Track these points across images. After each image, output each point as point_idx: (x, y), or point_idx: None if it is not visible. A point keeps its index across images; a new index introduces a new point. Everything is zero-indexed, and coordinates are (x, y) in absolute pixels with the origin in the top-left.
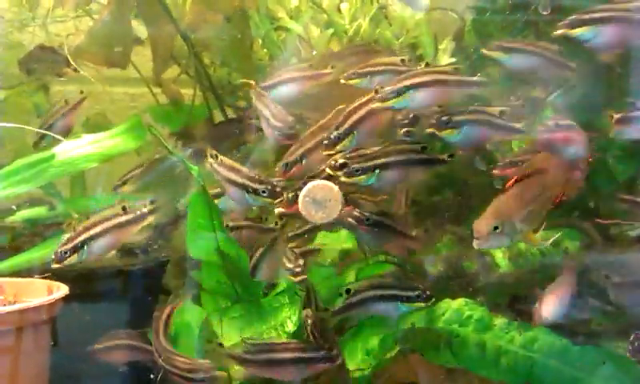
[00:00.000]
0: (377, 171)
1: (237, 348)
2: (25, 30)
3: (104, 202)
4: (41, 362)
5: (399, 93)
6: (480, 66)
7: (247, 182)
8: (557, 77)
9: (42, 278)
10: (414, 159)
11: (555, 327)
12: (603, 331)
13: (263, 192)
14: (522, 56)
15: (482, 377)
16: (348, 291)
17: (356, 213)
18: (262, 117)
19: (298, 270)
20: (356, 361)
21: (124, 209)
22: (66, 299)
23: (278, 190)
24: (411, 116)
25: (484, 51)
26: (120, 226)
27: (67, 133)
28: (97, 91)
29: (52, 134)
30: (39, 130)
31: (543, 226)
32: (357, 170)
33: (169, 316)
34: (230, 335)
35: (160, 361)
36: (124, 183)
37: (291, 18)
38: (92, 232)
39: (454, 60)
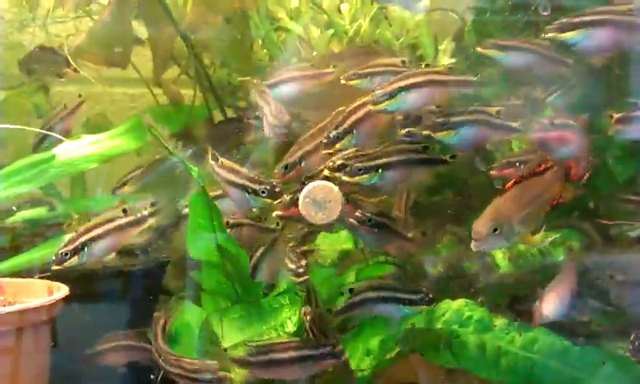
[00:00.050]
0: (379, 171)
1: (239, 351)
2: (25, 30)
3: (104, 203)
4: (41, 363)
5: (391, 95)
6: (480, 67)
7: (247, 183)
8: (553, 74)
9: (43, 278)
10: (417, 159)
11: (555, 327)
12: (603, 332)
13: (262, 192)
14: (518, 53)
15: (482, 377)
16: (351, 291)
17: (358, 213)
18: (262, 114)
19: (300, 270)
20: (356, 361)
21: (125, 211)
22: (66, 300)
23: (277, 190)
24: (412, 116)
25: (479, 49)
26: (121, 228)
27: (66, 136)
28: (97, 92)
29: (53, 134)
30: (41, 131)
31: (543, 228)
32: (359, 170)
33: (166, 321)
34: (230, 336)
35: (164, 365)
36: (123, 185)
37: (291, 18)
38: (93, 234)
39: (454, 60)
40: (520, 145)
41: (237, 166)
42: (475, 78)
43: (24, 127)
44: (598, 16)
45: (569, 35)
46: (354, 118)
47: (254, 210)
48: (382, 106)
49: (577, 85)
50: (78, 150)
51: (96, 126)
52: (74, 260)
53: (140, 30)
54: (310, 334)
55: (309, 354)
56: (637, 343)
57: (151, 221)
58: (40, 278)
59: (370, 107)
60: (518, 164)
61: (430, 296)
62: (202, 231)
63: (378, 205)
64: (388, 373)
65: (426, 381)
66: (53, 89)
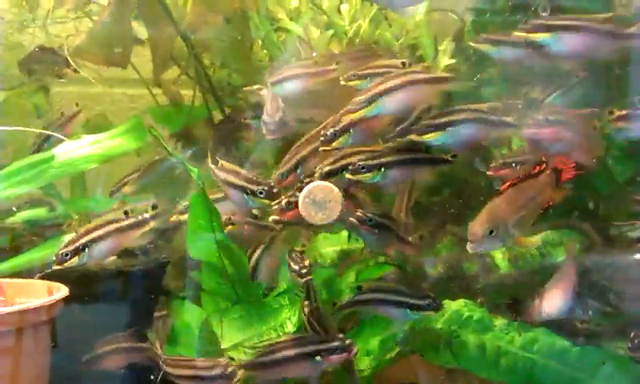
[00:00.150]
0: (382, 170)
1: (241, 354)
2: (25, 31)
3: (104, 204)
4: (41, 363)
5: (370, 101)
6: (480, 67)
7: (245, 184)
8: (552, 73)
9: (43, 278)
10: (419, 158)
11: (554, 327)
12: (603, 332)
13: (260, 193)
14: (510, 48)
15: (482, 378)
16: (359, 288)
17: (359, 213)
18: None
19: (304, 271)
20: (356, 361)
21: (126, 213)
22: (66, 300)
23: (275, 190)
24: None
25: (472, 44)
26: (122, 230)
27: None
28: (97, 92)
29: (55, 134)
30: (41, 131)
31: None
32: (362, 168)
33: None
34: (230, 336)
35: (172, 370)
36: (121, 187)
37: (291, 19)
38: (94, 235)
39: (454, 61)
40: (521, 144)
41: (236, 168)
42: (451, 75)
43: (23, 128)
44: (571, 21)
45: (539, 37)
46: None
47: (254, 211)
48: (361, 113)
49: (576, 85)
50: (77, 150)
51: (96, 126)
52: (75, 261)
53: (140, 30)
54: (309, 328)
55: (318, 349)
56: (636, 341)
57: (153, 223)
58: (40, 278)
59: (350, 115)
60: (514, 165)
61: (437, 302)
62: (201, 232)
63: (379, 206)
64: (388, 373)
65: (426, 381)
66: (53, 89)
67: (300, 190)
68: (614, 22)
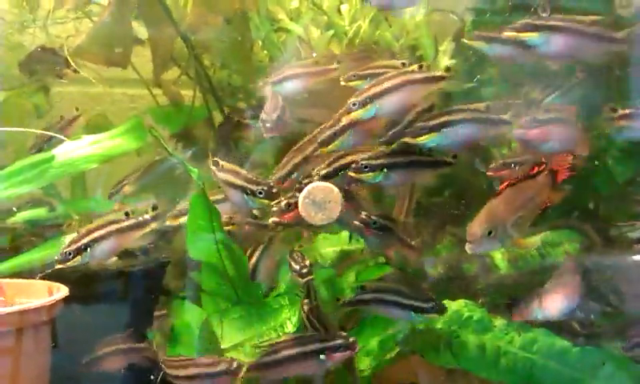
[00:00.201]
0: (385, 170)
1: (245, 356)
2: (25, 31)
3: (104, 205)
4: (41, 364)
5: (364, 103)
6: (480, 67)
7: (245, 184)
8: (547, 69)
9: (44, 279)
10: (421, 161)
11: (555, 327)
12: (602, 332)
13: (260, 193)
14: (502, 45)
15: (482, 378)
16: (362, 287)
17: (363, 215)
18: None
19: (304, 270)
20: (357, 360)
21: (127, 214)
22: (66, 300)
23: (274, 190)
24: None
25: (465, 41)
26: (123, 230)
27: None
28: (97, 92)
29: (57, 135)
30: (43, 133)
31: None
32: (365, 167)
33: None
34: (230, 336)
35: (176, 372)
36: (121, 189)
37: (291, 19)
38: (96, 235)
39: (454, 61)
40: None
41: (236, 168)
42: (448, 74)
43: (24, 129)
44: (559, 22)
45: (528, 36)
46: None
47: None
48: (355, 115)
49: (576, 85)
50: (78, 150)
51: (96, 126)
52: (78, 260)
53: (140, 30)
54: (309, 326)
55: (322, 348)
56: (632, 341)
57: (154, 224)
58: (41, 278)
59: (344, 118)
60: (513, 165)
61: (441, 305)
62: (201, 232)
63: (380, 207)
64: (388, 373)
65: (427, 381)
66: (53, 89)
67: (299, 190)
68: (602, 24)
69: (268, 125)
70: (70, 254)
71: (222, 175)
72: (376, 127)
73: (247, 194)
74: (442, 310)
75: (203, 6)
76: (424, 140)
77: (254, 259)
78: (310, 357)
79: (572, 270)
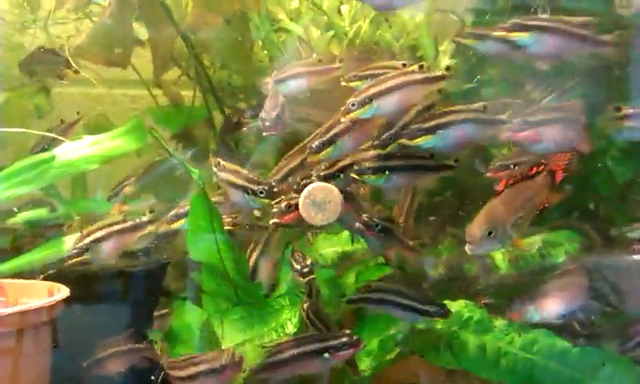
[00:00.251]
0: (386, 173)
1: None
2: (26, 31)
3: (105, 205)
4: (42, 364)
5: (362, 104)
6: (480, 67)
7: (246, 184)
8: (546, 69)
9: (46, 279)
10: (423, 164)
11: (555, 327)
12: (603, 332)
13: (261, 193)
14: (493, 42)
15: (482, 378)
16: (369, 286)
17: (365, 218)
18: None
19: (306, 270)
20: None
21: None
22: (67, 301)
23: (275, 190)
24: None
25: (455, 38)
26: (136, 228)
27: None
28: (98, 93)
29: (58, 137)
30: (45, 134)
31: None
32: (367, 169)
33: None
34: (231, 337)
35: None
36: (119, 191)
37: (291, 19)
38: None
39: (454, 62)
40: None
41: (237, 167)
42: (447, 73)
43: (25, 130)
44: (550, 23)
45: (518, 36)
46: (340, 126)
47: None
48: (354, 115)
49: (575, 86)
50: (78, 150)
51: (97, 127)
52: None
53: (140, 31)
54: (308, 324)
55: (326, 346)
56: (633, 340)
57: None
58: (42, 279)
59: (342, 117)
60: (512, 166)
61: (446, 309)
62: (202, 233)
63: (381, 207)
64: (388, 373)
65: (427, 382)
66: (54, 90)
67: (299, 192)
68: (592, 26)
69: (267, 123)
70: (81, 249)
71: (223, 175)
72: (372, 130)
73: (248, 193)
74: (446, 315)
75: (203, 6)
76: (419, 142)
77: (253, 257)
78: (314, 356)
79: (574, 272)
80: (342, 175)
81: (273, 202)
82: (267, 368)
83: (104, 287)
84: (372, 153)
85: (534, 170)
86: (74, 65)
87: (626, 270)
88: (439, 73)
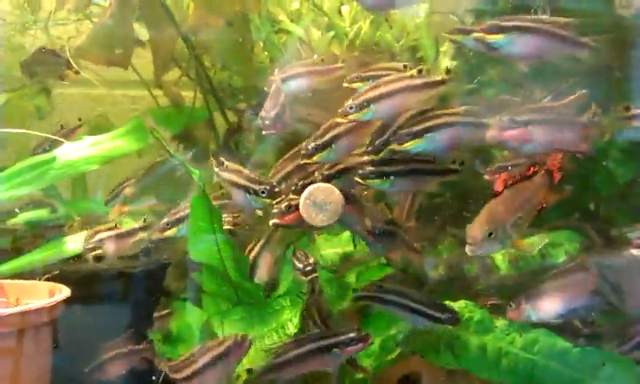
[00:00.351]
0: (391, 177)
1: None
2: (26, 32)
3: (105, 206)
4: (42, 365)
5: (360, 107)
6: (480, 68)
7: (247, 183)
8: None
9: (47, 280)
10: (427, 169)
11: (556, 327)
12: (603, 332)
13: (262, 192)
14: (474, 42)
15: (483, 378)
16: (380, 285)
17: (367, 222)
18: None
19: (308, 269)
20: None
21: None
22: (67, 301)
23: (276, 190)
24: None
25: (444, 34)
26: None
27: None
28: (99, 94)
29: (59, 138)
30: (46, 135)
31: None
32: (371, 173)
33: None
34: None
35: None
36: (119, 193)
37: (292, 20)
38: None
39: (454, 63)
40: None
41: (239, 167)
42: (446, 77)
43: (24, 131)
44: (527, 24)
45: (494, 38)
46: (335, 130)
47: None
48: (352, 118)
49: (575, 86)
50: (78, 151)
51: (97, 127)
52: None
53: (141, 31)
54: (310, 322)
55: (335, 342)
56: (633, 341)
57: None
58: (46, 279)
59: (339, 119)
60: (510, 167)
61: (457, 316)
62: (202, 233)
63: (381, 212)
64: (388, 373)
65: (428, 382)
66: (54, 91)
67: (299, 192)
68: (573, 27)
69: (267, 122)
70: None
71: (225, 175)
72: (367, 134)
73: (250, 193)
74: (456, 322)
75: (204, 7)
76: (408, 146)
77: (253, 253)
78: (323, 352)
79: (574, 272)
80: (343, 176)
81: (274, 202)
82: (275, 368)
83: (104, 288)
84: (377, 157)
85: (532, 170)
86: (74, 66)
87: (626, 270)
88: (439, 77)
